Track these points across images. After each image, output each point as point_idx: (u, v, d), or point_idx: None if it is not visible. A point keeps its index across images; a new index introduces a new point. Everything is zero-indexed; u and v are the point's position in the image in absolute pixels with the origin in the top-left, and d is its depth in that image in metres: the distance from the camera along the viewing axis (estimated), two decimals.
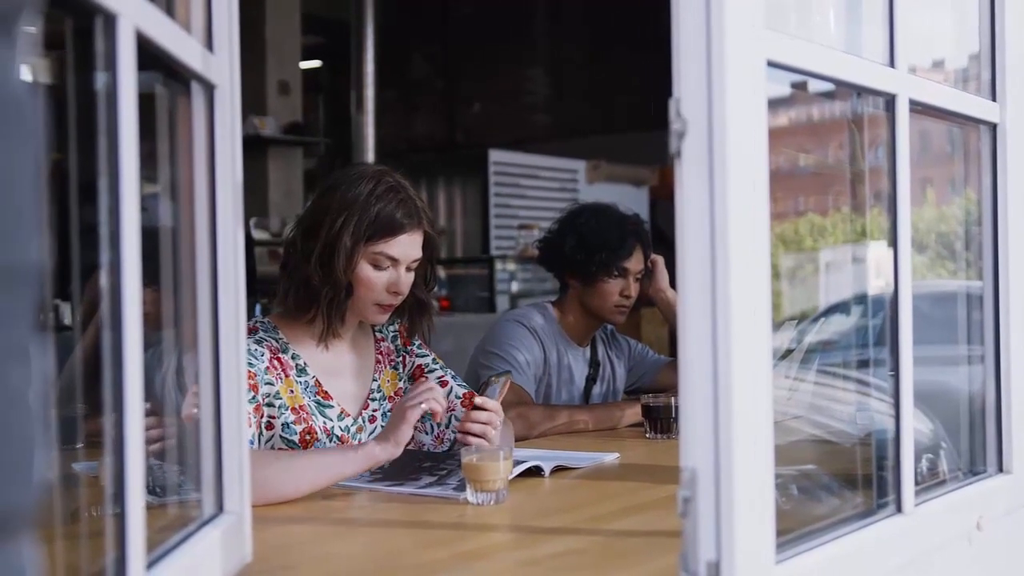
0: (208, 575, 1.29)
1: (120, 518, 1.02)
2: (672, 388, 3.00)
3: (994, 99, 1.83)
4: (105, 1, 0.99)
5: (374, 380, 2.37)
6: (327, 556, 1.63)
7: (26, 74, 0.60)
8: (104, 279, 1.03)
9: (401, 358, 2.43)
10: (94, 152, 1.04)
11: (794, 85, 1.50)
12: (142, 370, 1.05)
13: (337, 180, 2.25)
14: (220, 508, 1.39)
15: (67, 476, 1.42)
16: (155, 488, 1.39)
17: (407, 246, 2.22)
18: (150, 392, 1.11)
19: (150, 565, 1.10)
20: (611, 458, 2.36)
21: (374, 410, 2.35)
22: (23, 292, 0.58)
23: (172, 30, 1.20)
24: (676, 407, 2.67)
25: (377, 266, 2.21)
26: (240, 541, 1.42)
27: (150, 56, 1.13)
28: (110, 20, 1.01)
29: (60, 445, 1.24)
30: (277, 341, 2.24)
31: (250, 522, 1.44)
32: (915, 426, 1.58)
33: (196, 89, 1.36)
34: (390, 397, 2.37)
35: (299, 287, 2.23)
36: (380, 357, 2.40)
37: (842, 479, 1.74)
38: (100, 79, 1.03)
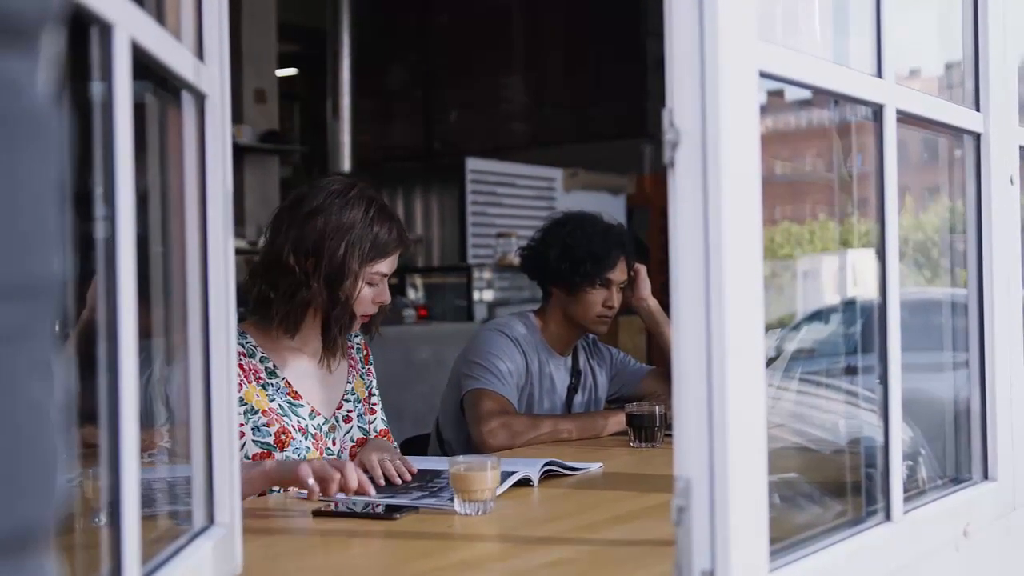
0: None
1: (115, 530, 1.01)
2: (654, 396, 3.01)
3: (978, 109, 1.84)
4: (101, 11, 0.98)
5: (348, 382, 2.45)
6: (317, 568, 1.62)
7: (48, 86, 0.59)
8: (99, 289, 1.02)
9: (366, 369, 2.55)
10: (87, 161, 1.04)
11: (770, 93, 1.51)
12: (137, 381, 1.04)
13: (323, 203, 2.28)
14: (211, 520, 1.38)
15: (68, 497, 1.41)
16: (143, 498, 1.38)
17: (395, 261, 2.37)
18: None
19: None
20: (596, 467, 2.37)
21: (348, 411, 2.43)
22: (44, 306, 0.58)
23: (165, 40, 1.19)
24: (660, 416, 2.67)
25: (370, 284, 2.32)
26: (231, 553, 1.41)
27: (141, 65, 1.12)
28: (106, 30, 1.00)
29: None
30: (243, 346, 2.28)
31: (241, 534, 1.43)
32: None
33: (186, 99, 1.35)
34: (363, 400, 2.47)
35: (299, 309, 2.28)
36: (352, 362, 2.49)
37: (828, 488, 1.75)
38: (95, 88, 1.03)
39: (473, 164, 8.22)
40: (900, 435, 1.55)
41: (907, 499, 1.59)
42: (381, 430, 2.49)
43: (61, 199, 0.60)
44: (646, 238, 7.74)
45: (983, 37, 1.83)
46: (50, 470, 0.58)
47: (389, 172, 9.29)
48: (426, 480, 2.16)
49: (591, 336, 3.23)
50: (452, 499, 1.90)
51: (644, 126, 8.86)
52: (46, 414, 0.57)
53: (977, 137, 1.85)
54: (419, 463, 2.27)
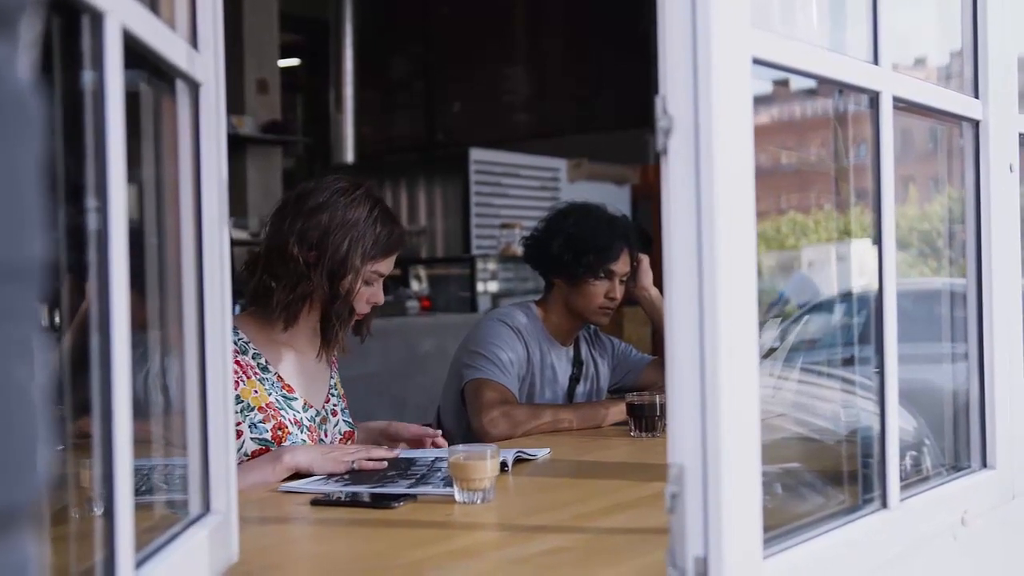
0: (195, 574, 1.28)
1: (109, 518, 1.02)
2: (656, 386, 3.01)
3: (976, 96, 1.84)
4: None
5: (332, 378, 2.50)
6: (314, 555, 1.63)
7: (27, 72, 0.60)
8: (91, 280, 1.02)
9: (337, 368, 2.57)
10: (80, 151, 1.04)
11: (776, 82, 1.50)
12: (130, 371, 1.04)
13: (328, 199, 2.31)
14: (207, 508, 1.38)
15: (50, 477, 1.41)
16: (139, 488, 1.39)
17: (392, 263, 2.40)
18: (133, 393, 1.11)
19: (138, 564, 1.10)
20: (543, 453, 2.39)
21: (334, 405, 2.47)
22: (25, 288, 0.58)
23: (158, 28, 1.19)
24: (660, 405, 2.67)
25: (367, 282, 2.35)
26: (227, 541, 1.41)
27: (134, 54, 1.12)
28: (97, 18, 1.00)
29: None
30: (236, 343, 2.30)
31: (237, 522, 1.44)
32: (899, 424, 1.59)
33: (181, 88, 1.35)
34: (343, 396, 2.52)
35: (299, 300, 2.30)
36: (334, 360, 2.53)
37: (827, 476, 1.75)
38: (86, 77, 1.03)
39: (477, 155, 8.22)
40: (896, 423, 1.55)
41: (905, 487, 1.59)
42: (345, 432, 2.49)
43: (41, 183, 0.61)
44: (651, 228, 7.73)
45: (982, 23, 1.83)
46: (31, 451, 0.58)
47: (392, 163, 9.29)
48: (404, 468, 2.16)
49: (593, 326, 3.23)
50: (446, 485, 1.90)
51: (648, 116, 8.84)
52: (28, 395, 0.58)
53: (976, 124, 1.85)
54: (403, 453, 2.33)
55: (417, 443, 2.45)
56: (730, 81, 1.20)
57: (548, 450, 2.43)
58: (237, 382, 2.23)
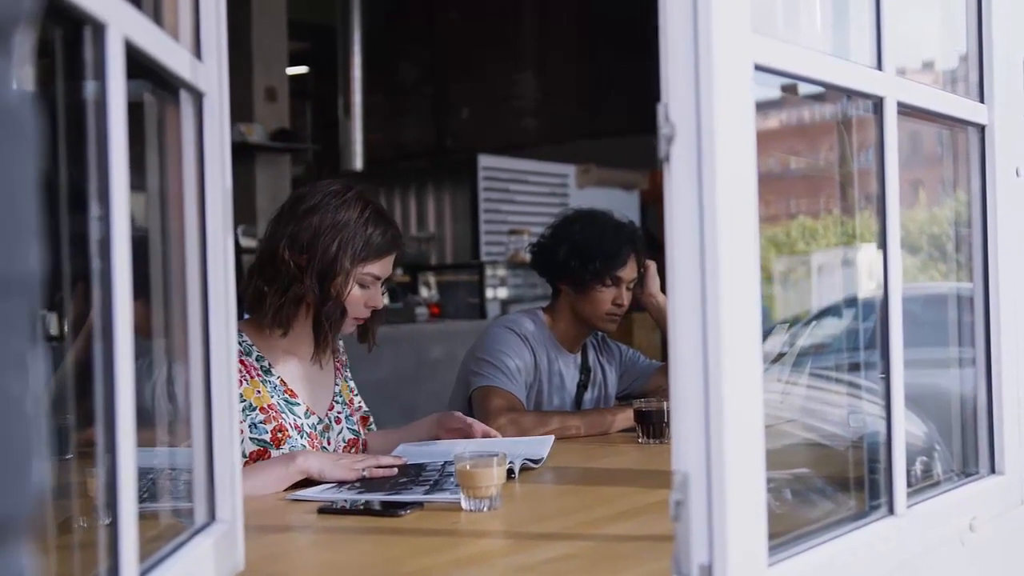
0: None
1: (113, 528, 1.02)
2: (663, 392, 3.00)
3: (982, 100, 1.83)
4: (94, 10, 0.98)
5: (336, 385, 2.49)
6: (320, 564, 1.63)
7: (23, 84, 0.60)
8: (94, 289, 1.03)
9: (347, 374, 2.57)
10: (82, 161, 1.04)
11: (784, 88, 1.50)
12: (133, 380, 1.04)
13: (319, 202, 2.32)
14: (212, 517, 1.38)
15: (58, 487, 1.42)
16: (144, 496, 1.39)
17: (389, 265, 2.39)
18: (140, 402, 1.11)
19: (143, 574, 1.10)
20: (548, 441, 2.43)
21: (338, 412, 2.47)
22: (22, 301, 0.58)
23: (161, 39, 1.19)
24: (668, 411, 2.66)
25: (362, 285, 2.34)
26: (232, 550, 1.41)
27: (138, 64, 1.13)
28: (99, 29, 1.01)
29: (51, 456, 1.23)
30: (240, 345, 2.30)
31: (242, 531, 1.44)
32: (909, 429, 1.58)
33: (185, 97, 1.35)
34: (348, 403, 2.51)
35: (292, 304, 2.30)
36: (338, 366, 2.53)
37: (835, 482, 1.75)
38: (89, 88, 1.03)
39: (485, 161, 8.22)
40: (903, 429, 1.55)
41: (912, 493, 1.58)
42: (362, 417, 2.54)
43: (38, 196, 0.61)
44: (660, 234, 7.71)
45: (987, 28, 1.82)
46: (25, 464, 0.58)
47: (401, 170, 9.29)
48: (415, 475, 2.16)
49: (600, 333, 3.23)
50: (455, 491, 1.90)
51: (656, 121, 8.83)
52: (22, 408, 0.58)
53: (982, 129, 1.84)
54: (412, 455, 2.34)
55: (465, 434, 2.48)
56: (732, 87, 1.20)
57: (552, 438, 2.45)
58: (240, 381, 2.24)
